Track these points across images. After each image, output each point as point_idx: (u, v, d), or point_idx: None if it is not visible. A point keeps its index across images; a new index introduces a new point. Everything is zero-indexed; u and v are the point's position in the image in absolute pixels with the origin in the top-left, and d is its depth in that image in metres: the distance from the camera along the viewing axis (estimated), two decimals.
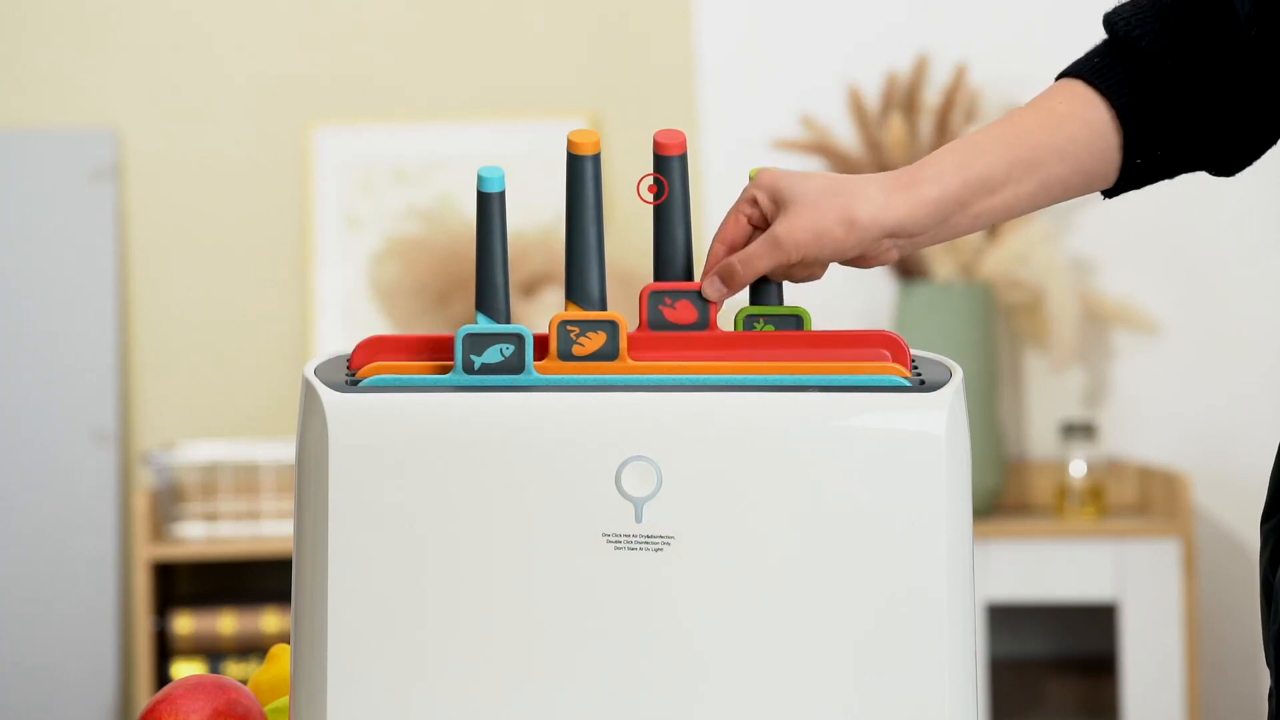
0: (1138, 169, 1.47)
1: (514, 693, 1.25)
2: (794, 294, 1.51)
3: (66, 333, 4.00)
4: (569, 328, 1.33)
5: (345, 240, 4.05)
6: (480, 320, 1.34)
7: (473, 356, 1.31)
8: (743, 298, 1.40)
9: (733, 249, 1.38)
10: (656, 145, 1.39)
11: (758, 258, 1.36)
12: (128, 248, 4.04)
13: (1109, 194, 1.49)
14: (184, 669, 3.75)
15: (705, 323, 1.35)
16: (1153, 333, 3.96)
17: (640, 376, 1.31)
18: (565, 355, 1.33)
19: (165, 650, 3.79)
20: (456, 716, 1.25)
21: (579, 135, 1.37)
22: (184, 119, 4.05)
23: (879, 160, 3.82)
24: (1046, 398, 4.00)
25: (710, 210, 3.90)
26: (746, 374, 1.32)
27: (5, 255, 4.01)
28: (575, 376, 1.31)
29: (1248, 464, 3.79)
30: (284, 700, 1.48)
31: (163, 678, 3.77)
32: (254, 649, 3.77)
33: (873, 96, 3.93)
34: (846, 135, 3.94)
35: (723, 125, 4.02)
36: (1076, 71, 1.47)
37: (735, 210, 1.39)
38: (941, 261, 3.82)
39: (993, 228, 3.86)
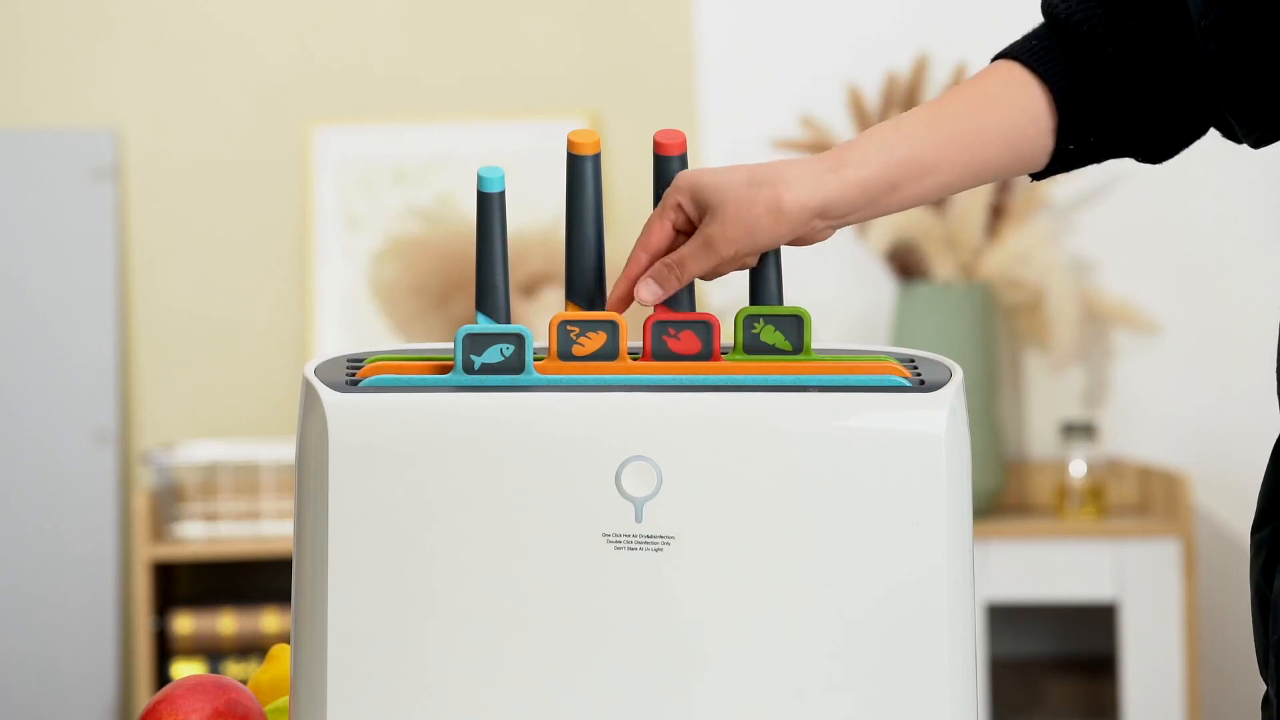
0: (1069, 154, 1.45)
1: (514, 692, 1.25)
2: (793, 294, 1.50)
3: (66, 333, 4.00)
4: (569, 328, 1.33)
5: (345, 240, 4.05)
6: (480, 320, 1.34)
7: (473, 356, 1.31)
8: (741, 296, 1.40)
9: (656, 256, 1.36)
10: (656, 145, 1.39)
11: (692, 260, 1.34)
12: (128, 248, 4.04)
13: (1037, 177, 1.48)
14: (184, 669, 3.75)
15: (709, 353, 1.34)
16: (1153, 333, 3.96)
17: (640, 376, 1.31)
18: (565, 355, 1.32)
19: (165, 650, 3.79)
20: (456, 716, 1.25)
21: (579, 135, 1.37)
22: (184, 119, 4.06)
23: None
24: (1046, 398, 4.00)
25: None
26: (746, 374, 1.32)
27: (5, 255, 4.01)
28: (575, 376, 1.30)
29: (1248, 464, 3.78)
30: (284, 700, 1.48)
31: (163, 678, 3.77)
32: (254, 649, 3.77)
33: (873, 96, 3.93)
34: (846, 135, 3.94)
35: (723, 125, 4.02)
36: (1014, 53, 1.45)
37: (660, 217, 1.36)
38: (941, 261, 3.82)
39: (992, 228, 3.86)
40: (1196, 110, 1.45)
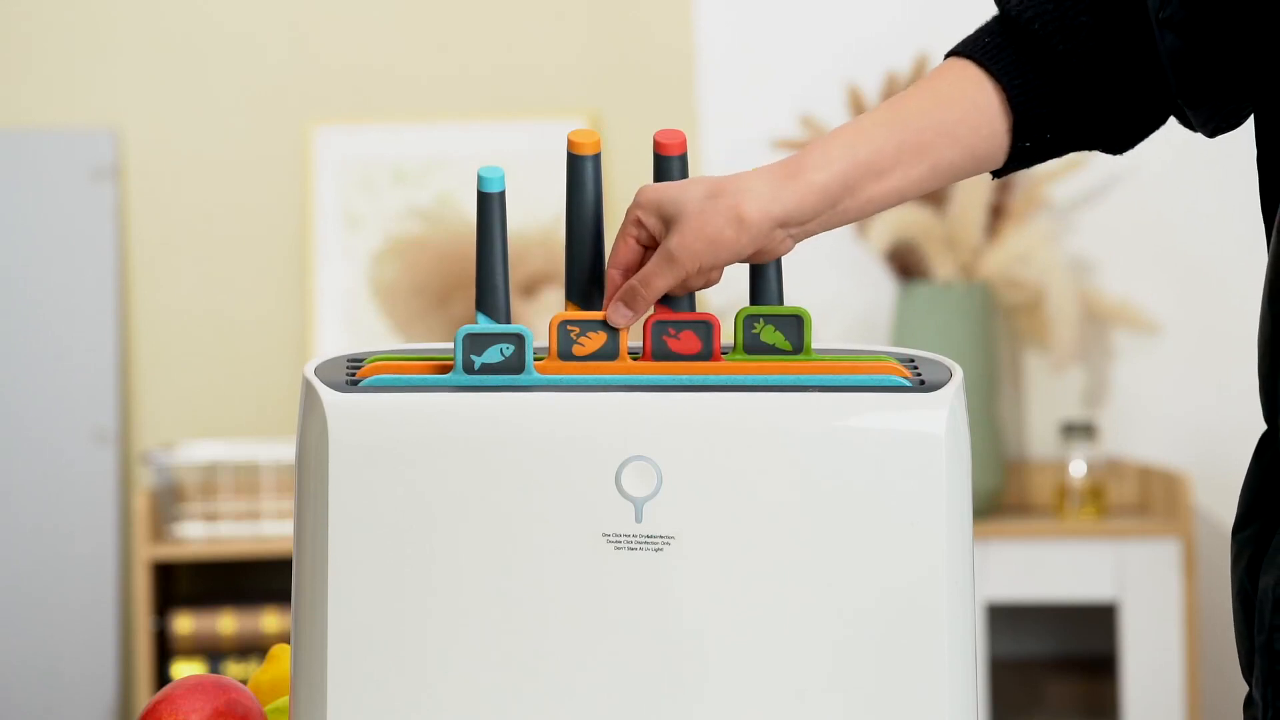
0: (1026, 150, 1.44)
1: (514, 692, 1.25)
2: (793, 294, 1.50)
3: (66, 333, 4.00)
4: (569, 328, 1.33)
5: (345, 240, 4.05)
6: (480, 320, 1.34)
7: (473, 356, 1.31)
8: (741, 295, 1.39)
9: (628, 273, 1.36)
10: (656, 145, 1.39)
11: (656, 276, 1.34)
12: (128, 247, 4.04)
13: (997, 174, 1.47)
14: (184, 669, 3.75)
15: (709, 353, 1.34)
16: (1153, 333, 3.96)
17: (640, 376, 1.31)
18: (565, 355, 1.33)
19: (165, 650, 3.79)
20: (456, 716, 1.25)
21: (579, 135, 1.37)
22: (184, 119, 4.06)
23: None
24: (1046, 398, 4.00)
25: None
26: (746, 374, 1.32)
27: (5, 255, 4.01)
28: (575, 376, 1.31)
29: (1247, 464, 3.78)
30: (284, 700, 1.48)
31: (163, 678, 3.77)
32: (254, 649, 3.77)
33: (872, 96, 3.93)
34: None
35: (723, 125, 4.02)
36: (966, 51, 1.44)
37: (623, 234, 1.36)
38: (941, 261, 3.82)
39: (992, 228, 3.86)
40: (1153, 102, 1.45)
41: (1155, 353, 3.97)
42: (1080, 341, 3.87)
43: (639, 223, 1.36)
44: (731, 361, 1.33)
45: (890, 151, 1.39)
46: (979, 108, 1.42)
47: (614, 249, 1.36)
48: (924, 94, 1.42)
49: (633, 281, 1.34)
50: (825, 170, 1.37)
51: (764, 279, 1.38)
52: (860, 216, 1.40)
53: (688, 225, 1.34)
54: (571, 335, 1.33)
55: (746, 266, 1.39)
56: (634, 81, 4.05)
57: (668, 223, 1.35)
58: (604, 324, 1.34)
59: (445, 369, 1.32)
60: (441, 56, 4.07)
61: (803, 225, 1.37)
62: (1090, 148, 1.47)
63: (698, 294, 1.37)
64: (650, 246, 1.36)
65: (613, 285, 1.35)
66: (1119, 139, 1.47)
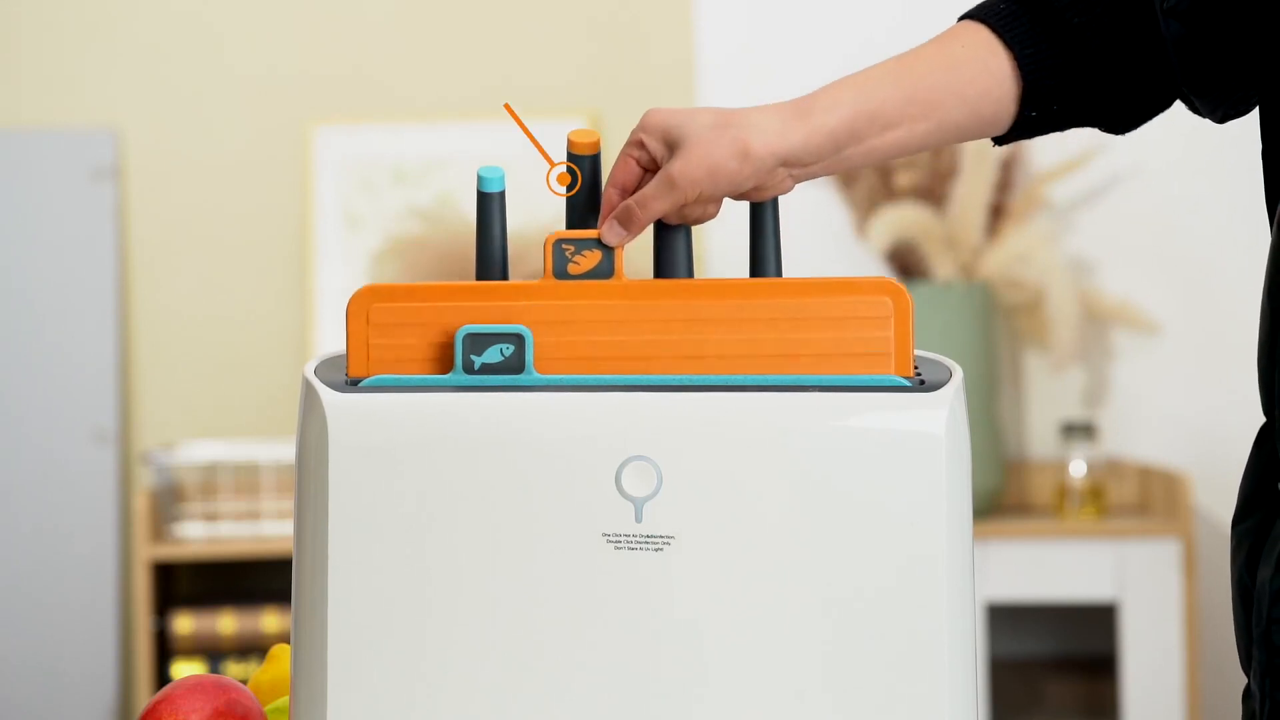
0: (1031, 120, 1.45)
1: (514, 692, 1.25)
2: None
3: (66, 332, 4.00)
4: (564, 246, 1.33)
5: (345, 240, 4.05)
6: None
7: (473, 356, 1.31)
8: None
9: (626, 193, 1.36)
10: None
11: (654, 199, 1.34)
12: (128, 247, 4.04)
13: (999, 141, 1.48)
14: (184, 669, 3.74)
15: None
16: (1153, 333, 3.96)
17: (640, 377, 1.31)
18: (560, 274, 1.33)
19: (165, 650, 3.79)
20: (456, 716, 1.25)
21: (579, 135, 1.38)
22: (184, 119, 4.05)
23: None
24: (1046, 398, 4.00)
25: None
26: (746, 374, 1.31)
27: (5, 255, 4.01)
28: (575, 377, 1.31)
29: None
30: (284, 700, 1.48)
31: (163, 678, 3.77)
32: (254, 649, 3.77)
33: None
34: None
35: None
36: (981, 16, 1.45)
37: (624, 154, 1.37)
38: (941, 261, 3.82)
39: (992, 228, 3.86)
40: (1161, 84, 1.45)
41: (1155, 353, 3.97)
42: (1080, 341, 3.87)
43: (641, 144, 1.36)
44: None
45: (898, 105, 1.40)
46: (989, 72, 1.43)
47: (613, 168, 1.37)
48: (936, 52, 1.43)
49: (629, 202, 1.35)
50: (834, 114, 1.38)
51: (764, 275, 1.38)
52: (862, 165, 1.41)
53: (691, 152, 1.34)
54: (566, 254, 1.33)
55: (746, 266, 1.39)
56: (634, 82, 4.05)
57: (671, 147, 1.35)
58: (598, 242, 1.34)
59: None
60: (441, 57, 4.07)
61: (806, 166, 1.37)
62: (1094, 124, 1.48)
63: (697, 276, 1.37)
64: (650, 169, 1.37)
65: (609, 204, 1.36)
66: (1123, 118, 1.47)
